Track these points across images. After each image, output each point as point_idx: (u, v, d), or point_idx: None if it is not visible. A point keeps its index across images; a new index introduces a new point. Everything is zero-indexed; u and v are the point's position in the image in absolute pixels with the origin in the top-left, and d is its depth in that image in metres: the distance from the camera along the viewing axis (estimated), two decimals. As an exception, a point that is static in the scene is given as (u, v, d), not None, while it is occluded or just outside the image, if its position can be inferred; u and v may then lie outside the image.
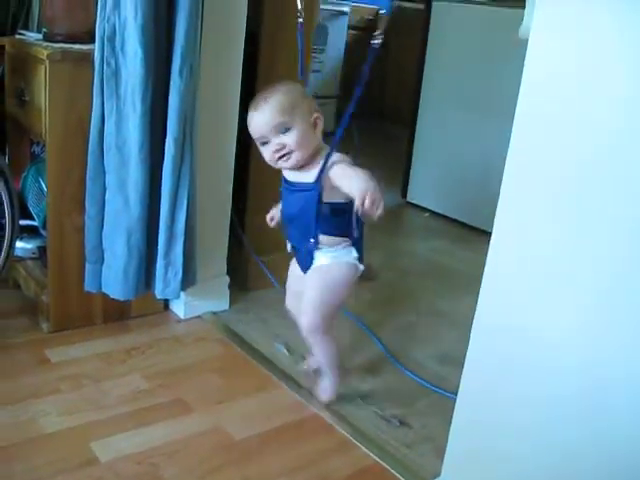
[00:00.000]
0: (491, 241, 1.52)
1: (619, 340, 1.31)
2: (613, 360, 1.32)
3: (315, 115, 1.85)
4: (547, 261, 1.41)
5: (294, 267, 2.05)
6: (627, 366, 1.30)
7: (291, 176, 1.90)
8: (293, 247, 2.01)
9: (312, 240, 1.90)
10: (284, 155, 1.83)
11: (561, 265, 1.39)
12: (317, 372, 2.15)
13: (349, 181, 1.76)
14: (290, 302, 2.12)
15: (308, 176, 1.86)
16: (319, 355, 2.08)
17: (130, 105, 2.07)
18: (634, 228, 1.26)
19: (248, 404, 2.11)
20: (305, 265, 1.98)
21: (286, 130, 1.81)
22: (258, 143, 1.87)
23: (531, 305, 1.45)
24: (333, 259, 1.91)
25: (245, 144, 2.52)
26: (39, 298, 2.36)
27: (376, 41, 1.77)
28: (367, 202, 1.65)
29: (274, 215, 2.04)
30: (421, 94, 4.14)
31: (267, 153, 1.85)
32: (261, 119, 1.82)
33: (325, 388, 2.11)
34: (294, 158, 1.83)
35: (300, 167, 1.86)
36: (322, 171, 1.82)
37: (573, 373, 1.39)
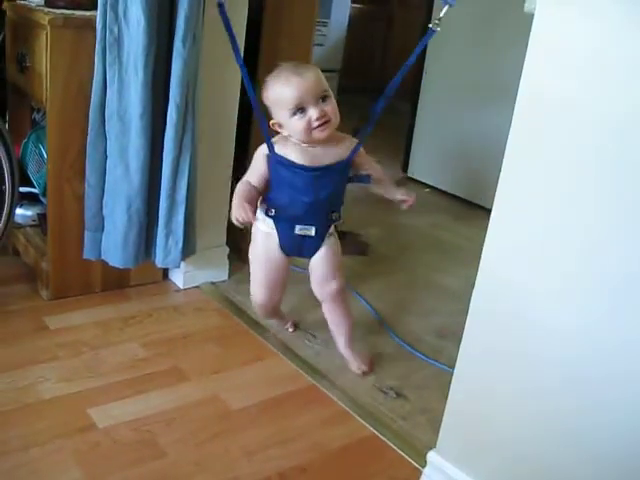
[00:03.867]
0: (491, 218, 1.52)
1: (616, 321, 1.31)
2: (612, 335, 1.33)
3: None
4: (546, 240, 1.41)
5: (275, 256, 2.02)
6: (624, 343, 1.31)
7: (314, 159, 1.88)
8: (295, 237, 1.98)
9: (335, 214, 1.98)
10: (323, 124, 1.82)
11: (561, 246, 1.38)
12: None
13: (373, 164, 2.01)
14: (267, 296, 2.11)
15: (335, 154, 1.90)
16: (343, 321, 2.13)
17: (132, 72, 2.06)
18: (635, 209, 1.26)
19: (245, 374, 2.12)
20: (315, 247, 2.01)
21: (325, 98, 1.83)
22: (289, 112, 1.82)
23: (529, 282, 1.45)
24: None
25: (247, 113, 2.51)
26: (38, 265, 2.37)
27: (437, 29, 2.04)
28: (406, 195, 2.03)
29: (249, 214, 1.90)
30: (424, 68, 4.13)
31: (301, 122, 1.82)
32: (306, 84, 1.80)
33: (358, 357, 2.17)
34: (330, 128, 1.84)
35: (324, 143, 1.87)
36: (356, 148, 1.92)
37: (570, 348, 1.39)
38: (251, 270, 2.10)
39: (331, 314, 2.12)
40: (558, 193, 1.38)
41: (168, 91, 2.11)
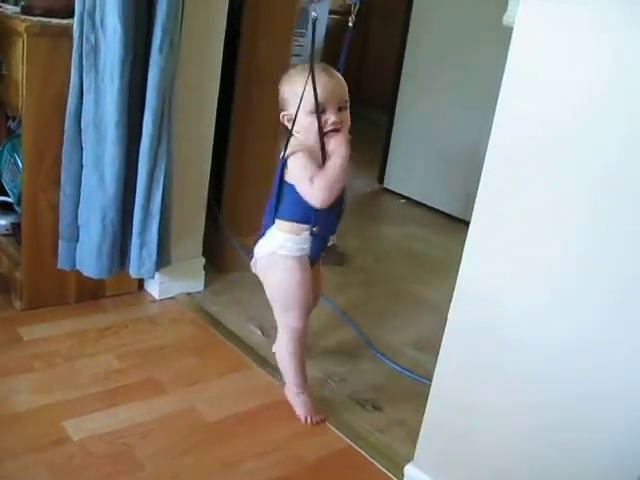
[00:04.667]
0: (469, 233, 1.52)
1: (592, 330, 1.32)
2: (591, 353, 1.33)
3: None
4: (525, 256, 1.41)
5: (308, 275, 1.94)
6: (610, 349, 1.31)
7: None
8: (322, 247, 1.96)
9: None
10: (334, 130, 1.81)
11: (540, 261, 1.39)
12: None
13: None
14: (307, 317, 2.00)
15: None
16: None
17: (108, 81, 2.04)
18: (618, 225, 1.27)
19: (221, 385, 2.10)
20: (322, 249, 1.98)
21: (343, 109, 1.84)
22: (308, 110, 1.80)
23: (507, 298, 1.46)
24: None
25: (224, 123, 2.50)
26: (12, 275, 2.34)
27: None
28: None
29: None
30: (401, 79, 4.13)
31: (316, 123, 1.80)
32: (339, 88, 1.83)
33: None
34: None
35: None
36: None
37: (548, 364, 1.40)
38: (280, 304, 1.96)
39: None
40: (537, 208, 1.38)
41: (144, 100, 2.09)
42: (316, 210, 1.83)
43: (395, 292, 2.88)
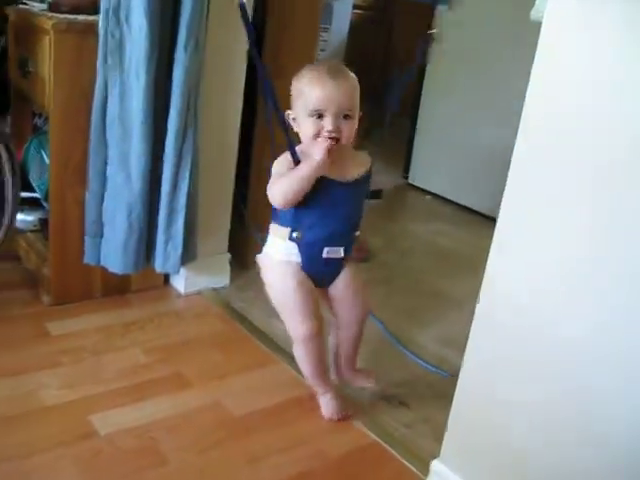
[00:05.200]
0: (497, 225, 1.51)
1: (622, 324, 1.31)
2: (618, 344, 1.32)
3: (360, 113, 1.75)
4: (552, 250, 1.40)
5: (303, 277, 1.83)
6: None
7: (342, 172, 1.77)
8: (319, 263, 1.83)
9: (357, 232, 1.87)
10: (332, 139, 1.69)
11: (568, 254, 1.38)
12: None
13: None
14: (314, 323, 1.85)
15: (358, 167, 1.82)
16: (358, 343, 2.01)
17: (134, 77, 2.05)
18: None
19: (247, 380, 2.11)
20: (337, 271, 1.88)
21: (346, 117, 1.70)
22: (308, 112, 1.69)
23: (534, 291, 1.45)
24: None
25: (249, 118, 2.50)
26: (40, 271, 2.36)
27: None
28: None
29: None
30: (425, 74, 4.12)
31: (313, 127, 1.69)
32: (335, 94, 1.67)
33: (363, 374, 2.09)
34: (335, 148, 1.69)
35: (344, 157, 1.77)
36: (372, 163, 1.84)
37: (575, 354, 1.38)
38: (280, 309, 1.89)
39: (350, 339, 1.98)
40: (565, 202, 1.37)
41: (170, 97, 2.10)
42: (296, 214, 1.76)
43: (420, 288, 2.87)
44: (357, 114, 1.73)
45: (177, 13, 2.04)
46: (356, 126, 1.74)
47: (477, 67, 3.75)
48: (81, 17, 2.13)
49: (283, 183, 1.72)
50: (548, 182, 1.39)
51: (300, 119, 1.74)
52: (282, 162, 1.77)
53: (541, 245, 1.42)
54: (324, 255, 1.81)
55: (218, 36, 2.24)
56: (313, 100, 1.68)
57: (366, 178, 1.85)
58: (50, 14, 2.13)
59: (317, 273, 1.85)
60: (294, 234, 1.79)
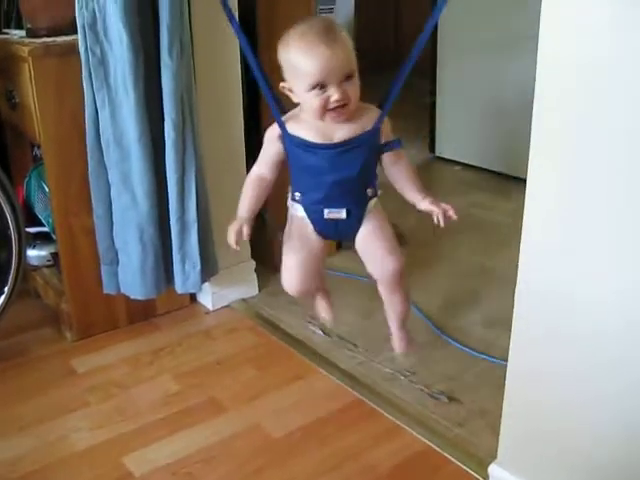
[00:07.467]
0: (527, 192, 1.39)
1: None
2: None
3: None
4: (590, 212, 1.26)
5: (311, 242, 1.77)
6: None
7: (334, 134, 1.62)
8: (327, 221, 1.73)
9: (370, 190, 1.71)
10: (342, 106, 1.56)
11: (603, 215, 1.24)
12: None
13: (401, 154, 1.71)
14: (301, 285, 1.81)
15: (357, 126, 1.63)
16: (401, 303, 1.83)
17: (123, 94, 1.94)
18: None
19: (285, 396, 1.99)
20: (353, 229, 1.75)
21: (349, 78, 1.56)
22: (307, 86, 1.55)
23: (576, 259, 1.31)
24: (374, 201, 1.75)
25: (255, 112, 2.39)
26: (59, 306, 2.27)
27: None
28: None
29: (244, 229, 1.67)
30: (438, 40, 3.94)
31: (317, 100, 1.55)
32: (333, 61, 1.52)
33: (405, 338, 1.88)
34: (347, 112, 1.58)
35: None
36: (381, 117, 1.64)
37: (625, 336, 1.24)
38: (284, 255, 1.80)
39: (388, 295, 1.83)
40: (595, 156, 1.24)
41: (163, 108, 1.98)
42: (293, 177, 1.68)
43: (458, 267, 2.73)
44: (356, 67, 1.58)
45: (156, 16, 1.91)
46: (358, 81, 1.58)
47: (491, 25, 3.57)
48: (60, 39, 2.03)
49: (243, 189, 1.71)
50: (574, 135, 1.27)
51: (299, 92, 1.59)
52: (269, 136, 1.68)
53: (576, 204, 1.30)
54: (325, 216, 1.70)
55: (205, 35, 2.12)
56: (310, 73, 1.53)
57: (367, 136, 1.65)
58: (28, 40, 2.03)
59: (329, 231, 1.75)
60: (296, 195, 1.70)
